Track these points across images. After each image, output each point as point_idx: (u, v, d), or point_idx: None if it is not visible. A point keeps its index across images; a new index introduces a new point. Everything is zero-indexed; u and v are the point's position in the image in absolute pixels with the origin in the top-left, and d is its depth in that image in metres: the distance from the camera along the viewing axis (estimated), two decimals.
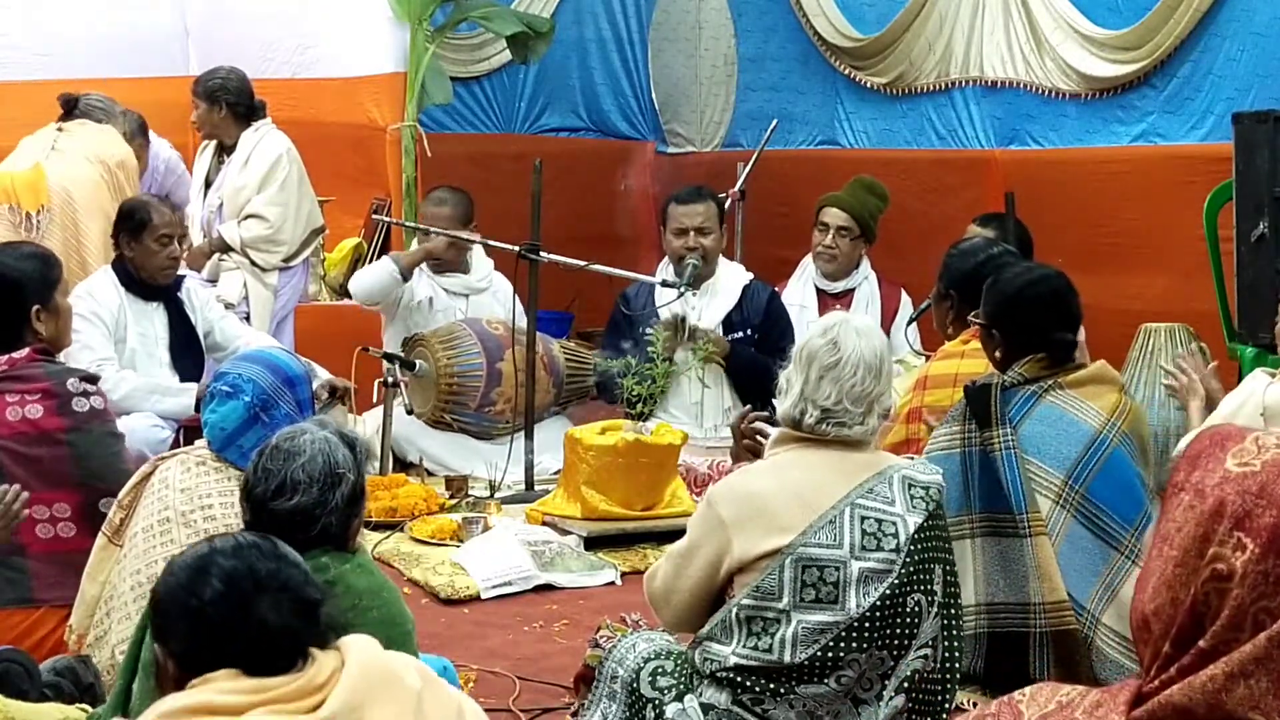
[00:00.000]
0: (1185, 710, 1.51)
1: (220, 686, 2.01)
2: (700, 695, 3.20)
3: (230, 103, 7.25)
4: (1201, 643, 1.52)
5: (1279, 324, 4.57)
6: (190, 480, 3.58)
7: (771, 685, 3.16)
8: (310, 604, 2.11)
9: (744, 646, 3.17)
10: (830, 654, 3.14)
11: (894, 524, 3.19)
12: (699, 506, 3.39)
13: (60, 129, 6.97)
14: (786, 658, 3.14)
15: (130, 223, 5.74)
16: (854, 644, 3.15)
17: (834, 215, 6.95)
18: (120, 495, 3.70)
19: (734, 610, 3.18)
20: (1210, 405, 4.61)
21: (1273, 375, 4.45)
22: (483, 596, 4.94)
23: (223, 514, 3.50)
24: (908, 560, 3.18)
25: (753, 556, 3.20)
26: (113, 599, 3.58)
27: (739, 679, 3.16)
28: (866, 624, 3.15)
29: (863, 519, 3.19)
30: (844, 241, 6.95)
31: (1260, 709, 1.51)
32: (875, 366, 3.29)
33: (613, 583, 5.11)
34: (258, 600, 2.07)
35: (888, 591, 3.16)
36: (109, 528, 3.69)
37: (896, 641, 3.19)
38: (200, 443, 3.73)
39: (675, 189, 7.14)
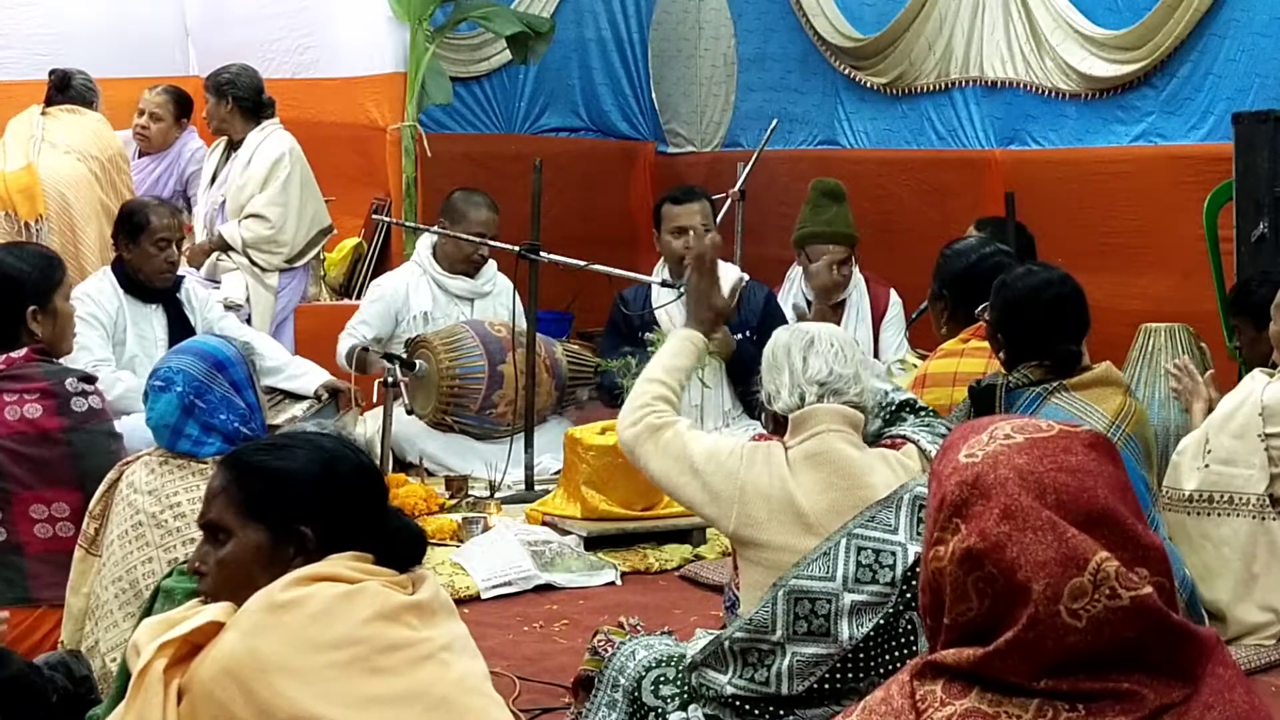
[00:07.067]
0: (944, 665, 1.68)
1: (343, 563, 2.36)
2: (704, 705, 3.18)
3: (237, 97, 7.27)
4: (945, 619, 1.68)
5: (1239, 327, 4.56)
6: (156, 481, 3.57)
7: (772, 708, 3.14)
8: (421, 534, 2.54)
9: (740, 678, 3.13)
10: (828, 684, 3.10)
11: (892, 555, 3.11)
12: (733, 445, 3.37)
13: (45, 113, 6.96)
14: (784, 690, 3.10)
15: (128, 225, 5.74)
16: (850, 673, 3.11)
17: (835, 251, 6.71)
18: (91, 505, 3.67)
19: (726, 642, 3.14)
20: (1207, 411, 4.62)
21: (1271, 374, 4.45)
22: (483, 596, 4.94)
23: (191, 510, 3.48)
24: (905, 589, 3.08)
25: (732, 531, 3.32)
26: (98, 609, 3.55)
27: (738, 704, 3.14)
28: (862, 653, 3.10)
29: (859, 550, 3.11)
30: (846, 267, 6.86)
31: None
32: (844, 338, 3.45)
33: (613, 583, 5.10)
34: (383, 494, 2.54)
35: (881, 622, 3.10)
36: (84, 539, 3.65)
37: (896, 665, 3.09)
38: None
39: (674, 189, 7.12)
